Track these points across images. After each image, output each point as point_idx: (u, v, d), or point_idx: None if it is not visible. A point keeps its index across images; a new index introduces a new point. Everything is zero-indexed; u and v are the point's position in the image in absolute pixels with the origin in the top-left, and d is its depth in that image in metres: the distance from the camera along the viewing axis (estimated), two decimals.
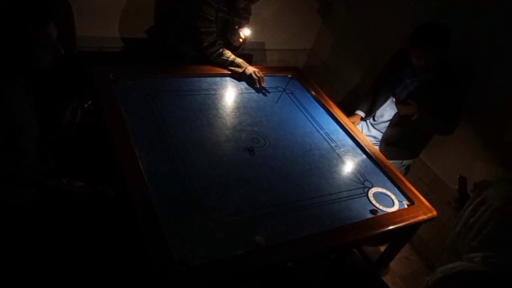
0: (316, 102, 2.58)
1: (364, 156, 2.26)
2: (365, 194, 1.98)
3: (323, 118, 2.46)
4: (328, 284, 1.93)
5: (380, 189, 2.04)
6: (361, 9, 3.12)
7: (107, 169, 1.87)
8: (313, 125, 2.36)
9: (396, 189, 2.08)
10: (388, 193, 2.03)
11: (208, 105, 2.21)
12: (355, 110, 2.66)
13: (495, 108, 2.30)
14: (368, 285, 1.83)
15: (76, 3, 2.28)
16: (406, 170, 2.60)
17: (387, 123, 2.46)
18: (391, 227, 1.82)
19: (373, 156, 2.24)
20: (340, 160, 2.17)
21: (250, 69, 2.46)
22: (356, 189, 2.00)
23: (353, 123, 2.51)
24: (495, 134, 2.31)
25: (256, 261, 1.52)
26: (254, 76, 2.44)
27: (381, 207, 1.92)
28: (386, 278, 2.43)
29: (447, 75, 2.23)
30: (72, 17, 2.17)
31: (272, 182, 1.87)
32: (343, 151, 2.24)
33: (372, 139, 2.49)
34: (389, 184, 2.11)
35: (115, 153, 1.72)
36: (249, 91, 2.47)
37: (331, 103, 2.58)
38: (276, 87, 2.59)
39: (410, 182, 2.16)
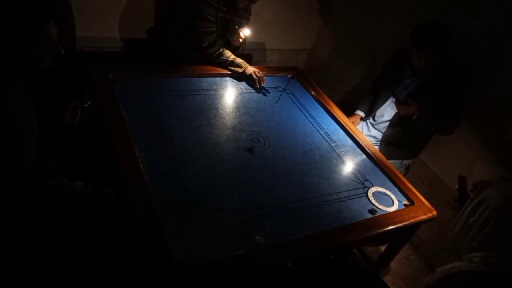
0: (316, 102, 2.58)
1: (364, 156, 2.26)
2: (365, 194, 1.98)
3: (323, 118, 2.46)
4: (328, 284, 1.93)
5: (379, 189, 2.04)
6: (361, 9, 3.12)
7: (107, 169, 1.87)
8: (313, 125, 2.36)
9: (396, 189, 2.08)
10: (388, 192, 2.04)
11: (208, 105, 2.21)
12: (355, 110, 2.66)
13: (495, 108, 2.30)
14: (368, 285, 1.83)
15: (76, 3, 2.28)
16: (406, 170, 2.60)
17: (387, 123, 2.46)
18: (391, 227, 1.82)
19: (373, 156, 2.24)
20: (340, 160, 2.17)
21: (250, 69, 2.46)
22: (356, 189, 2.00)
23: (353, 123, 2.51)
24: (495, 134, 2.31)
25: (256, 261, 1.52)
26: (254, 76, 2.44)
27: (380, 207, 1.92)
28: (386, 278, 2.43)
29: (447, 75, 2.23)
30: (72, 17, 2.17)
31: (272, 182, 1.87)
32: (343, 151, 2.24)
33: (372, 139, 2.49)
34: (389, 184, 2.11)
35: (115, 153, 1.72)
36: (249, 91, 2.47)
37: (331, 103, 2.58)
38: (276, 87, 2.59)
39: (410, 182, 2.16)
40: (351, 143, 2.33)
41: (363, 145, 2.30)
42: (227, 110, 2.24)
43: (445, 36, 2.12)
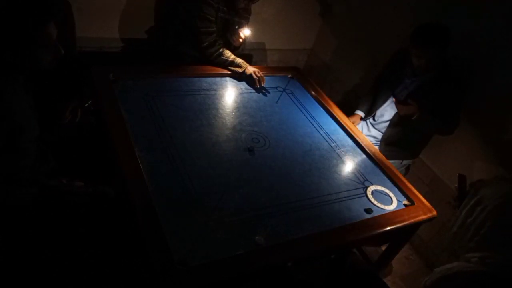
0: (316, 102, 2.58)
1: (364, 156, 2.26)
2: (364, 194, 1.98)
3: (323, 118, 2.46)
4: (328, 284, 1.93)
5: (378, 187, 2.04)
6: (361, 9, 3.12)
7: (107, 169, 1.87)
8: (313, 125, 2.36)
9: (396, 189, 2.08)
10: (386, 191, 2.04)
11: (208, 105, 2.21)
12: (355, 110, 2.66)
13: (495, 108, 2.30)
14: (368, 285, 1.83)
15: (76, 3, 2.28)
16: (406, 170, 2.60)
17: (387, 123, 2.46)
18: (391, 227, 1.82)
19: (373, 156, 2.24)
20: (340, 160, 2.17)
21: (250, 69, 2.46)
22: (356, 189, 2.00)
23: (353, 123, 2.51)
24: (495, 134, 2.31)
25: (256, 261, 1.52)
26: (254, 76, 2.44)
27: (379, 205, 1.92)
28: (386, 278, 2.43)
29: (447, 75, 2.23)
30: (72, 17, 2.17)
31: (272, 182, 1.87)
32: (343, 151, 2.24)
33: (372, 139, 2.49)
34: (389, 184, 2.11)
35: (115, 153, 1.72)
36: (249, 91, 2.47)
37: (331, 103, 2.58)
38: (276, 87, 2.59)
39: (410, 182, 2.16)
40: (351, 143, 2.33)
41: (363, 145, 2.30)
42: (227, 110, 2.24)
43: (445, 36, 2.12)
